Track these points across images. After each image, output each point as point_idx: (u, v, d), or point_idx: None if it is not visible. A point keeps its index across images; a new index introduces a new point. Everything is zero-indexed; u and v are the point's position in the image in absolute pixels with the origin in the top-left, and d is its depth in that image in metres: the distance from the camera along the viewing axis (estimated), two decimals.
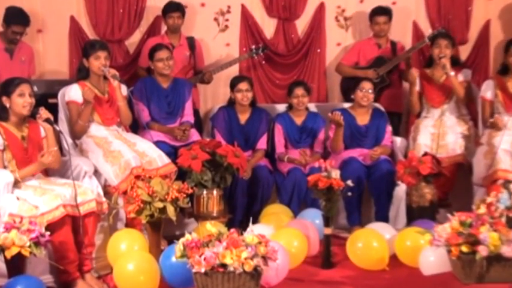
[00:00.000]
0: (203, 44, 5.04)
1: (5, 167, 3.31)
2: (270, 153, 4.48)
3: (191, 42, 4.90)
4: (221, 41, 5.20)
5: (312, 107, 4.71)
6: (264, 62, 5.24)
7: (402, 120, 5.03)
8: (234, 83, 4.42)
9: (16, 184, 3.28)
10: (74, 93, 3.89)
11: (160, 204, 3.39)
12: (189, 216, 3.99)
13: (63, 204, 3.18)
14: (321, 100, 5.22)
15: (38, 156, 3.25)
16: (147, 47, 4.74)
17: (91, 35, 4.99)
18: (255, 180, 4.18)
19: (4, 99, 3.35)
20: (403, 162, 4.06)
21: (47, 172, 3.53)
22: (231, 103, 4.48)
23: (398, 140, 4.57)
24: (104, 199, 3.45)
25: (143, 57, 4.79)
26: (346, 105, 4.62)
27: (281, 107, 4.69)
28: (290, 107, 4.53)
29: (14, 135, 3.38)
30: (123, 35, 5.06)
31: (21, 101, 3.34)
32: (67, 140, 3.80)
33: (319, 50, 5.27)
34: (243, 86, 4.38)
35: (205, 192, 3.83)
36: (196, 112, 4.71)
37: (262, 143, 4.44)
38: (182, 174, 3.79)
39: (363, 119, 4.45)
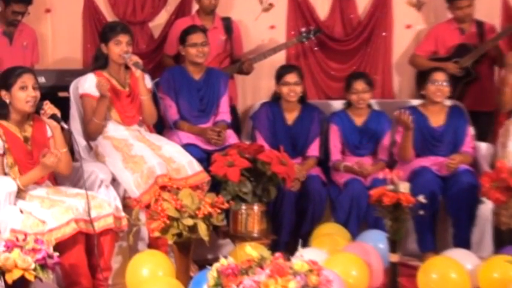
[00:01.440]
0: (242, 27, 5.07)
1: (5, 174, 3.37)
2: (323, 160, 4.47)
3: (227, 25, 4.92)
4: (264, 22, 5.22)
5: (376, 105, 4.68)
6: (316, 48, 5.24)
7: (493, 121, 4.93)
8: (280, 74, 4.41)
9: (20, 194, 3.34)
10: (88, 84, 3.93)
11: (190, 221, 3.40)
12: (225, 237, 3.99)
13: (75, 219, 3.22)
14: (387, 96, 5.19)
15: (39, 157, 3.27)
16: (174, 30, 4.79)
17: (109, 15, 5.06)
18: (305, 194, 4.17)
19: (3, 93, 3.40)
20: (490, 174, 3.96)
21: (56, 180, 3.59)
22: (276, 99, 4.47)
23: (483, 146, 4.48)
24: (123, 214, 3.48)
25: (170, 43, 4.84)
26: (417, 102, 4.56)
27: (337, 104, 4.68)
28: (348, 105, 4.51)
29: (16, 136, 3.44)
30: (147, 15, 5.11)
31: (23, 95, 3.38)
32: (79, 142, 3.86)
33: (384, 34, 5.24)
34: (291, 78, 4.36)
35: (244, 207, 3.83)
36: (233, 109, 4.73)
37: (313, 149, 4.42)
38: (216, 185, 3.80)
39: (437, 119, 4.38)
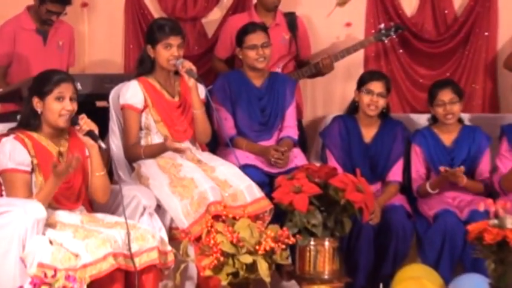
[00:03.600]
0: (310, 24, 5.07)
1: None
2: (407, 187, 4.41)
3: (291, 21, 4.93)
4: (338, 18, 5.22)
5: (475, 121, 4.61)
6: (401, 50, 5.22)
7: None
8: (363, 80, 4.38)
9: (49, 221, 3.37)
10: (131, 94, 3.97)
11: (248, 258, 3.39)
12: (289, 278, 3.95)
13: (113, 253, 3.23)
14: (489, 110, 5.12)
15: (51, 167, 3.28)
16: (227, 28, 4.84)
17: (155, 10, 5.15)
18: (386, 228, 4.12)
19: (36, 100, 3.45)
20: None
21: (92, 206, 3.63)
22: (352, 111, 4.45)
23: None
24: (169, 248, 3.48)
25: (222, 44, 4.88)
26: None
27: (424, 119, 4.63)
28: (434, 120, 4.45)
29: (48, 150, 3.48)
30: (200, 10, 5.17)
31: (58, 107, 3.42)
32: (119, 161, 3.90)
33: (486, 34, 5.16)
34: (376, 87, 4.32)
35: (313, 242, 3.79)
36: (299, 123, 4.73)
37: (396, 173, 4.37)
38: (280, 215, 3.79)
39: None
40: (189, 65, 3.92)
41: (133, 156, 3.98)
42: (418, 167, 4.36)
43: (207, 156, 4.05)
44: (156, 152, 3.93)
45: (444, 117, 4.33)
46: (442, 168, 4.17)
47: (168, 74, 4.03)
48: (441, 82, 4.51)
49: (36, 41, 4.69)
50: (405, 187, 4.41)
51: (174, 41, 3.93)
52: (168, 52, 3.93)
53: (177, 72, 4.02)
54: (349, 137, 4.38)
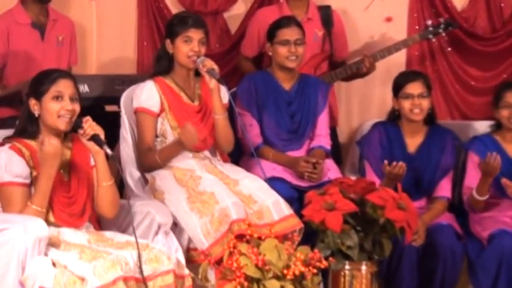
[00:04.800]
0: (346, 19, 5.08)
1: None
2: (457, 204, 4.40)
3: (326, 16, 4.94)
4: (377, 13, 5.23)
5: None
6: (449, 48, 5.19)
7: None
8: (398, 84, 4.38)
9: (52, 240, 3.36)
10: (146, 96, 3.99)
11: (275, 284, 3.39)
12: None
13: (123, 276, 3.21)
14: None
15: (38, 148, 3.28)
16: (255, 22, 4.85)
17: (171, 4, 5.17)
18: (432, 250, 4.10)
19: (32, 102, 3.45)
20: None
21: (100, 223, 3.62)
22: (393, 118, 4.43)
23: None
24: (186, 271, 3.46)
25: (249, 40, 4.89)
26: None
27: (479, 127, 4.63)
28: (497, 127, 4.43)
29: None
30: (221, 4, 5.19)
31: (56, 107, 3.41)
32: (130, 172, 3.92)
33: None
34: (415, 88, 4.31)
35: (348, 266, 3.80)
36: (332, 132, 4.72)
37: (444, 188, 4.35)
38: (311, 236, 3.79)
39: None
40: (210, 64, 3.92)
41: (148, 163, 3.99)
42: (473, 179, 4.31)
43: (229, 168, 4.05)
44: (173, 151, 3.93)
45: (511, 123, 4.31)
46: (504, 181, 4.14)
47: (187, 74, 4.04)
48: (510, 83, 4.49)
49: (33, 37, 4.70)
50: (454, 204, 4.39)
51: (195, 34, 3.95)
52: (187, 47, 3.94)
53: (197, 74, 4.03)
54: (391, 147, 4.36)
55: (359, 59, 4.82)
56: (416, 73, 4.54)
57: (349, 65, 4.84)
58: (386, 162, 4.12)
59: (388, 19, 5.22)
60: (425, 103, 4.31)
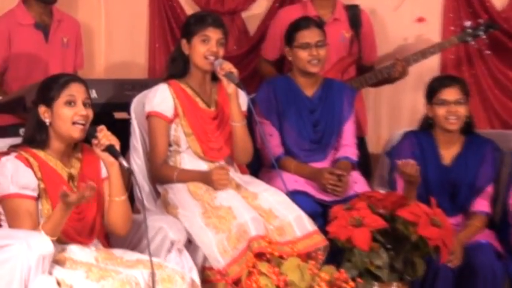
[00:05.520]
0: (375, 20, 5.10)
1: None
2: (497, 221, 4.37)
3: (354, 16, 4.97)
4: (408, 13, 5.25)
5: None
6: (488, 52, 5.19)
7: None
8: (432, 90, 4.35)
9: (58, 258, 3.35)
10: (160, 99, 4.01)
11: None
12: None
13: None
14: None
15: (60, 196, 3.23)
16: (277, 23, 4.87)
17: (185, 3, 5.23)
18: (470, 271, 4.06)
19: (42, 110, 3.46)
20: None
21: (109, 240, 3.62)
22: (426, 126, 4.41)
23: None
24: None
25: (270, 42, 4.92)
26: None
27: None
28: None
29: (57, 172, 3.48)
30: (239, 3, 5.24)
31: (69, 113, 3.41)
32: (142, 185, 3.93)
33: None
34: (451, 94, 4.28)
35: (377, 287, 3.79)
36: (361, 142, 4.73)
37: (483, 202, 4.31)
38: (336, 254, 3.78)
39: None
40: (229, 66, 3.93)
41: (162, 178, 4.01)
42: None
43: (247, 180, 4.06)
44: (193, 179, 3.93)
45: None
46: None
47: (203, 77, 4.06)
48: None
49: (37, 38, 4.73)
50: (494, 220, 4.36)
51: (213, 33, 3.96)
52: (205, 47, 3.96)
53: (214, 78, 4.04)
54: (424, 158, 4.33)
55: (390, 63, 4.84)
56: (453, 78, 4.51)
57: (380, 69, 4.85)
58: (399, 162, 4.10)
59: (420, 19, 5.24)
60: (462, 110, 4.28)
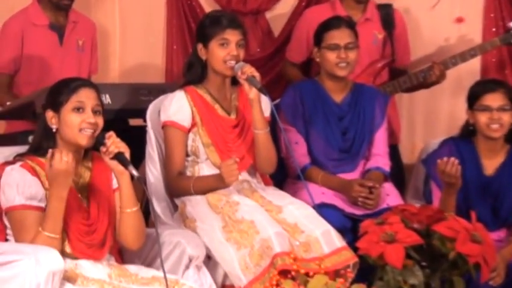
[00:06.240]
0: (409, 20, 5.10)
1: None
2: None
3: (387, 16, 4.97)
4: (446, 13, 5.25)
5: None
6: None
7: None
8: (474, 95, 4.34)
9: (69, 274, 3.35)
10: (176, 108, 4.01)
11: None
12: None
13: None
14: None
15: (46, 164, 3.27)
16: (303, 24, 4.89)
17: (205, 2, 5.24)
18: None
19: (50, 115, 3.47)
20: None
21: (122, 256, 3.63)
22: (467, 134, 4.40)
23: None
24: None
25: (296, 44, 4.93)
26: None
27: None
28: None
29: None
30: (263, 2, 5.25)
31: (77, 120, 3.42)
32: (157, 197, 3.96)
33: None
34: (494, 100, 4.27)
35: None
36: (393, 150, 4.72)
37: None
38: (367, 272, 3.76)
39: None
40: (251, 70, 3.91)
41: (178, 190, 4.00)
42: None
43: (271, 192, 4.06)
44: (211, 185, 3.92)
45: None
46: None
47: (223, 83, 4.06)
48: None
49: (51, 40, 4.75)
50: None
51: (232, 36, 3.95)
52: (224, 51, 3.95)
53: (234, 82, 4.04)
54: (464, 168, 4.25)
55: (427, 66, 4.83)
56: (497, 82, 4.49)
57: (415, 73, 4.84)
58: (439, 160, 4.08)
59: (459, 20, 5.24)
60: (506, 117, 4.26)
